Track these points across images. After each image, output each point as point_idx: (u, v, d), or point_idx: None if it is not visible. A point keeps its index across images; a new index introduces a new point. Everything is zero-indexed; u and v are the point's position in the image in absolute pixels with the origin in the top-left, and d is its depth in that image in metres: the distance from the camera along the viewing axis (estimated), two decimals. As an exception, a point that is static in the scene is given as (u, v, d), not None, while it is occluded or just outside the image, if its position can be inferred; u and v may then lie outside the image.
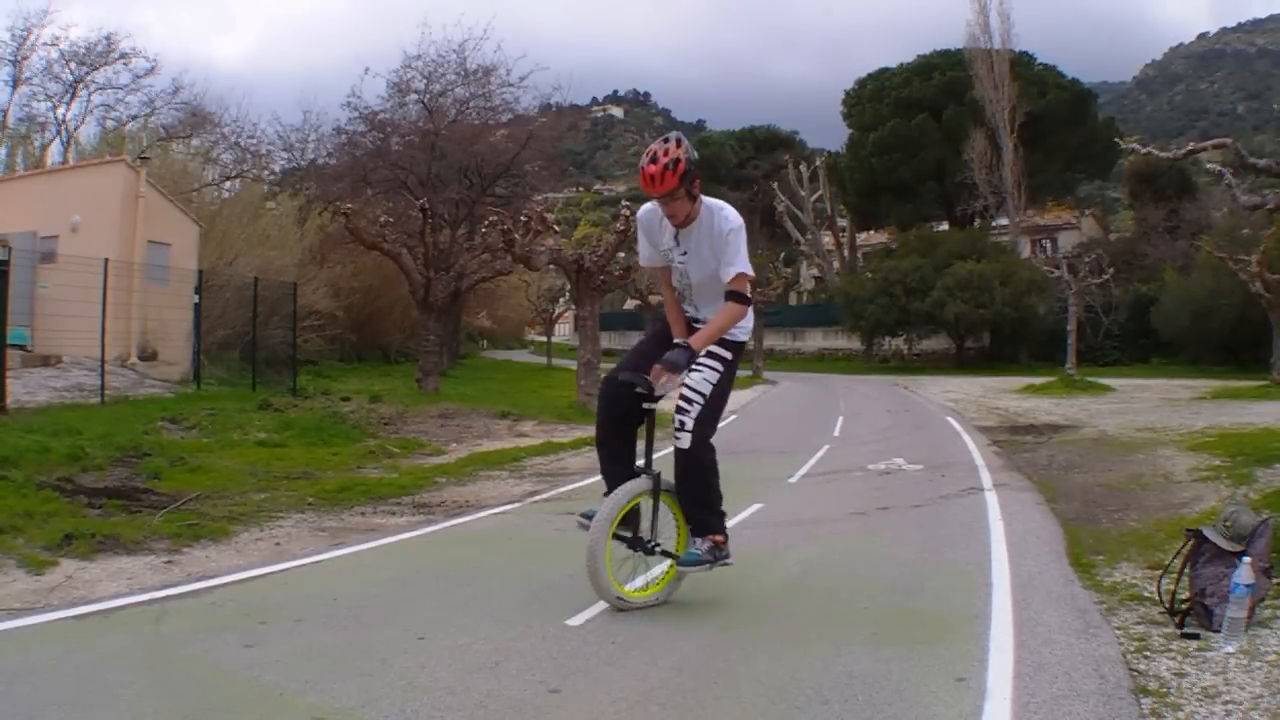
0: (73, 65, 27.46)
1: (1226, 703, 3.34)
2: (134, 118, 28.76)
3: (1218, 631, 4.04)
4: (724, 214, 4.38)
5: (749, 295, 4.46)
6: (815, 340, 47.10)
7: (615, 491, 4.38)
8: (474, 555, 6.03)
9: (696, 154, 4.29)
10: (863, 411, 18.74)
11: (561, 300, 42.26)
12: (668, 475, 4.49)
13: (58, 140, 28.00)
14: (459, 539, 6.68)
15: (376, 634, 4.13)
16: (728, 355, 4.43)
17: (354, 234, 18.57)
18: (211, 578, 5.18)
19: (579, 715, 3.23)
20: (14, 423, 9.68)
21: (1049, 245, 46.28)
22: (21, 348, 13.76)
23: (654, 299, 40.25)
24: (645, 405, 4.43)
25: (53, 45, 27.61)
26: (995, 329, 36.04)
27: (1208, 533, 4.41)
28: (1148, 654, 3.90)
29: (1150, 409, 16.80)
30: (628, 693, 3.42)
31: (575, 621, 4.31)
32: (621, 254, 18.85)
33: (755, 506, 7.73)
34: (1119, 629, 4.25)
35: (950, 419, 16.65)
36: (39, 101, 27.96)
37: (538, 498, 8.52)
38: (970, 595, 4.85)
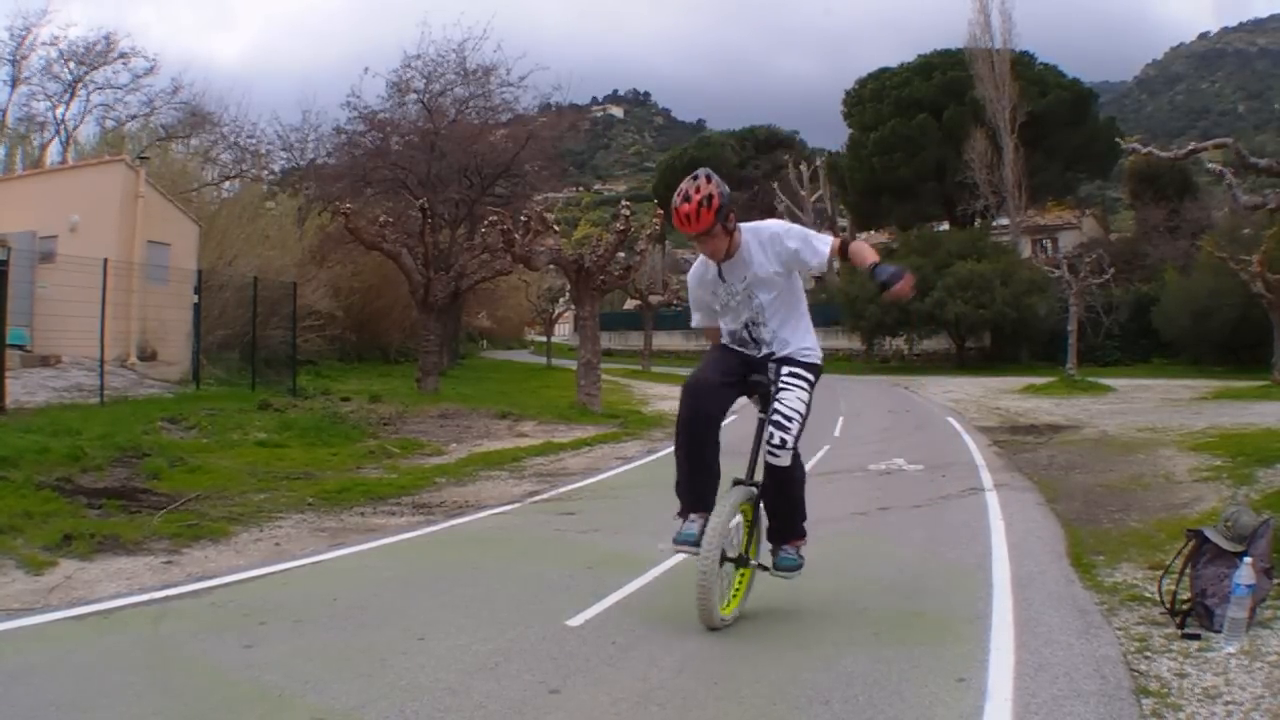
0: (72, 65, 27.46)
1: (1227, 703, 3.34)
2: (133, 117, 28.76)
3: (1218, 632, 4.03)
4: (764, 227, 4.27)
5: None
6: (815, 340, 46.99)
7: (718, 510, 4.10)
8: (474, 555, 6.03)
9: (728, 187, 4.12)
10: (863, 412, 18.70)
11: (561, 300, 42.21)
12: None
13: (57, 140, 28.03)
14: (459, 539, 6.67)
15: (376, 634, 4.13)
16: (812, 377, 4.32)
17: (354, 234, 18.57)
18: (211, 578, 5.18)
19: (579, 715, 3.22)
20: (13, 423, 9.67)
21: (1049, 245, 46.17)
22: (21, 348, 13.75)
23: (654, 299, 40.33)
24: (754, 378, 4.31)
25: (52, 45, 27.64)
26: (996, 329, 36.00)
27: (1209, 533, 4.41)
28: (1148, 654, 3.89)
29: (1151, 409, 16.78)
30: (628, 693, 3.42)
31: (575, 621, 4.31)
32: (621, 254, 18.83)
33: (755, 506, 7.72)
34: (1120, 629, 4.24)
35: (951, 419, 16.63)
36: (38, 101, 27.99)
37: (538, 498, 8.52)
38: (971, 595, 4.85)
